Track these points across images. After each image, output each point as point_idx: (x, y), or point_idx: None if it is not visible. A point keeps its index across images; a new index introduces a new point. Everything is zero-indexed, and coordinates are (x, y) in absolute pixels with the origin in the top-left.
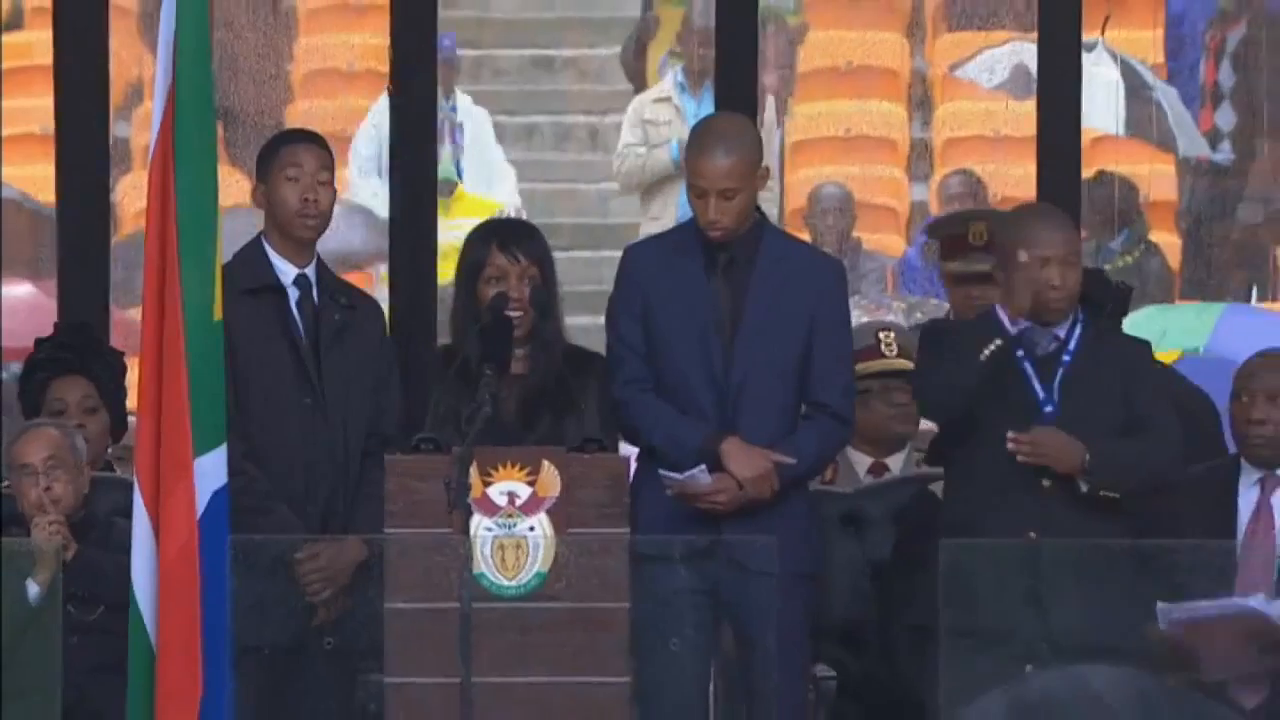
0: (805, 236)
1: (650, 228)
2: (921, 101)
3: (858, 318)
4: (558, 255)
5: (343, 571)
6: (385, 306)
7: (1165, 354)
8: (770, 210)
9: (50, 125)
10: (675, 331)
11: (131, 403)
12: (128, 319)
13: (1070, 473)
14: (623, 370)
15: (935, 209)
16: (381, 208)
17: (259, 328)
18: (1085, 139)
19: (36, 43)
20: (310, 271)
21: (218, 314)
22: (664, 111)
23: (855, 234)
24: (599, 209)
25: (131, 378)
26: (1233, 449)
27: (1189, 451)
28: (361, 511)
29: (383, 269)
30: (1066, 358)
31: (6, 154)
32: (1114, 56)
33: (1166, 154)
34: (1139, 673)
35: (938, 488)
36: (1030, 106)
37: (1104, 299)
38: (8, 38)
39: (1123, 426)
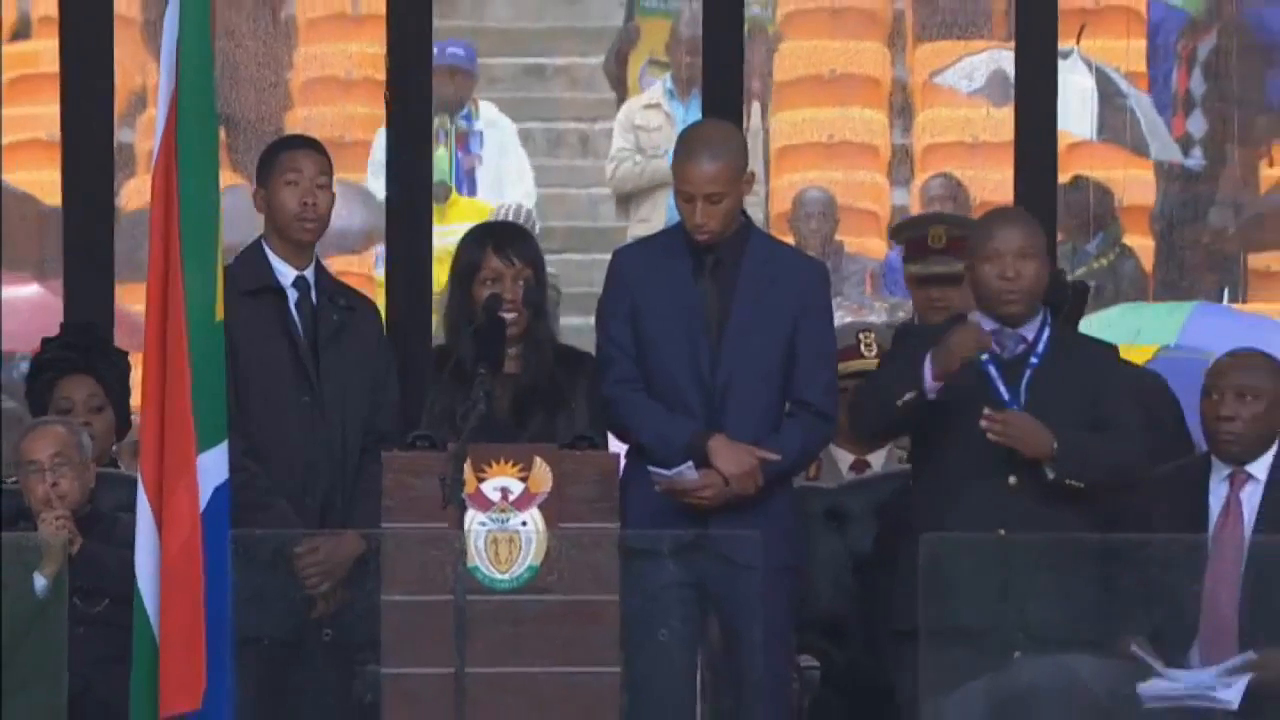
0: (790, 239)
1: (638, 231)
2: (902, 108)
3: (840, 319)
4: (549, 258)
5: (341, 565)
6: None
7: (1140, 350)
8: (756, 214)
9: (56, 131)
10: (663, 332)
11: (136, 401)
12: (132, 319)
13: (1038, 458)
14: (612, 370)
15: (916, 212)
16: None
17: (259, 328)
18: (1061, 145)
19: (43, 51)
20: (309, 273)
21: (219, 315)
22: (654, 117)
23: (838, 237)
24: (589, 213)
25: (136, 377)
26: (1196, 436)
27: (1156, 438)
28: (359, 507)
29: (379, 249)
30: (1034, 360)
31: (14, 160)
32: (1089, 65)
33: (1141, 159)
34: (1123, 663)
35: None
36: (1008, 113)
37: (1060, 301)
38: (15, 47)
39: (1089, 427)
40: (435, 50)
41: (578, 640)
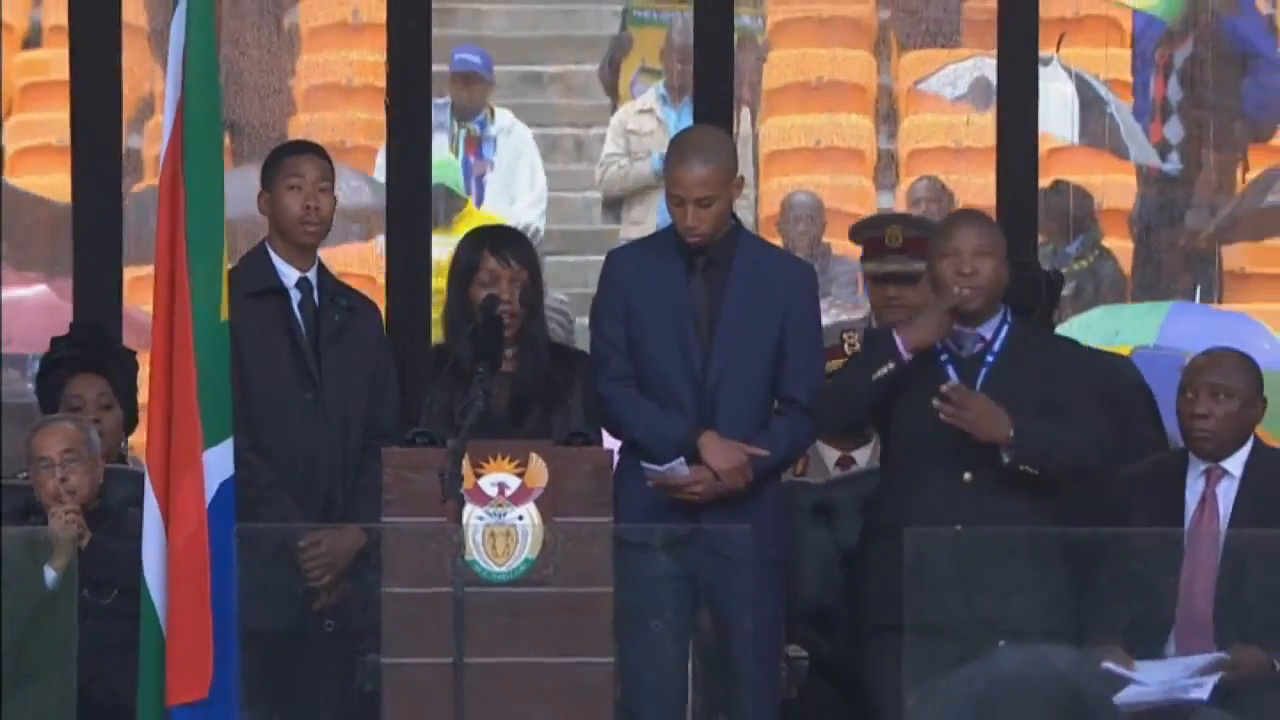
0: (778, 242)
1: (631, 233)
2: (888, 115)
3: (828, 319)
4: (545, 260)
5: (342, 558)
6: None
7: (1119, 350)
8: (745, 217)
9: (66, 137)
10: (655, 331)
11: (143, 399)
12: (139, 320)
13: (994, 442)
14: (606, 368)
15: None
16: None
17: (263, 328)
18: (1042, 149)
19: (54, 59)
20: (312, 275)
21: (224, 315)
22: (647, 123)
23: (825, 240)
24: (584, 216)
25: (143, 375)
26: (1172, 430)
27: (1119, 425)
28: (360, 501)
29: (382, 240)
30: (990, 359)
31: (26, 165)
32: (1069, 72)
33: (1120, 163)
34: (1100, 652)
35: None
36: (990, 119)
37: (1033, 303)
38: (27, 55)
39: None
40: (453, 56)
41: (573, 631)
